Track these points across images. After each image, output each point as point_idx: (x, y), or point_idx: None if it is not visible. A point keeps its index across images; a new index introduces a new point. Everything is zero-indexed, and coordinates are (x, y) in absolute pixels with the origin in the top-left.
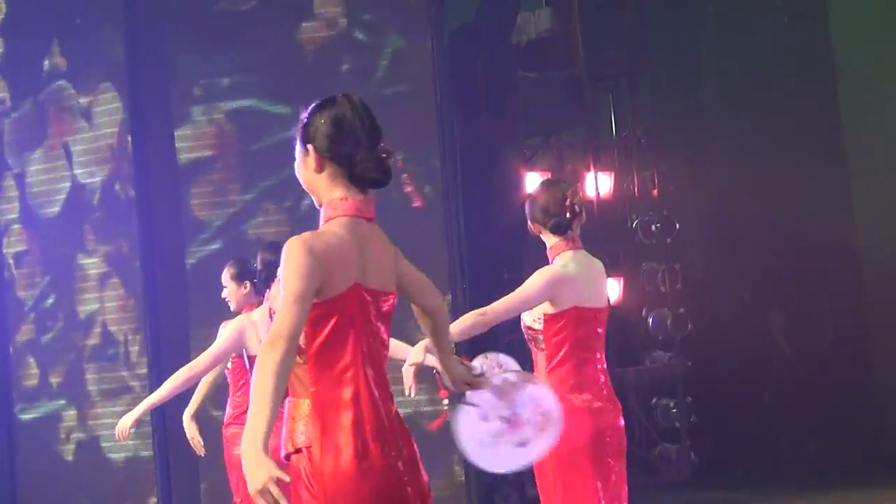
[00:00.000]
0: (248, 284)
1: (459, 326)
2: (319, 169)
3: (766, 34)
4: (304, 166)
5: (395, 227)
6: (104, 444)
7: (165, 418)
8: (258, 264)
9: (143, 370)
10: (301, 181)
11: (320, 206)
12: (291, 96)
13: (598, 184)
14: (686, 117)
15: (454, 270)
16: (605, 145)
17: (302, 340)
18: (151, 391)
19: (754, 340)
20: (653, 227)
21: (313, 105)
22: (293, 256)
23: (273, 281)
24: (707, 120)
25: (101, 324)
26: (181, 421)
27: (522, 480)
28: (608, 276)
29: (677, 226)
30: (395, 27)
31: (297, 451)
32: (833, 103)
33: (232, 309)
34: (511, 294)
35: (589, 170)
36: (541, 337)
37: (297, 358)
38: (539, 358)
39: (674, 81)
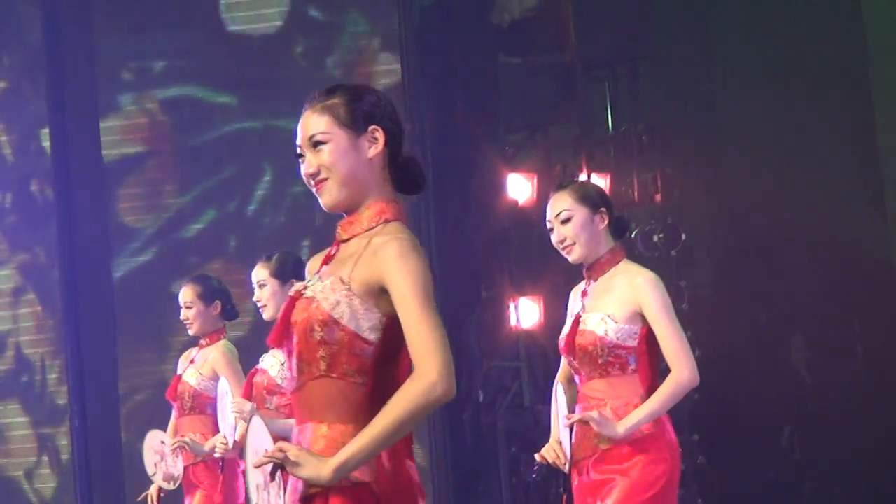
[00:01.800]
0: (219, 305)
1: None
2: (382, 157)
3: (790, 16)
4: (355, 151)
5: None
6: (24, 486)
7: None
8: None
9: (63, 400)
10: (340, 170)
11: (352, 207)
12: (236, 84)
13: None
14: (695, 111)
15: None
16: (600, 143)
17: (368, 357)
18: (72, 423)
19: (772, 369)
20: (655, 238)
21: (352, 86)
22: (423, 261)
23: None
24: (719, 114)
25: (14, 346)
26: (108, 461)
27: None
28: None
29: (683, 236)
30: (357, 4)
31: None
32: (866, 96)
33: (192, 333)
34: (670, 325)
35: (582, 171)
36: (632, 356)
37: (354, 378)
38: (608, 386)
39: (681, 69)
